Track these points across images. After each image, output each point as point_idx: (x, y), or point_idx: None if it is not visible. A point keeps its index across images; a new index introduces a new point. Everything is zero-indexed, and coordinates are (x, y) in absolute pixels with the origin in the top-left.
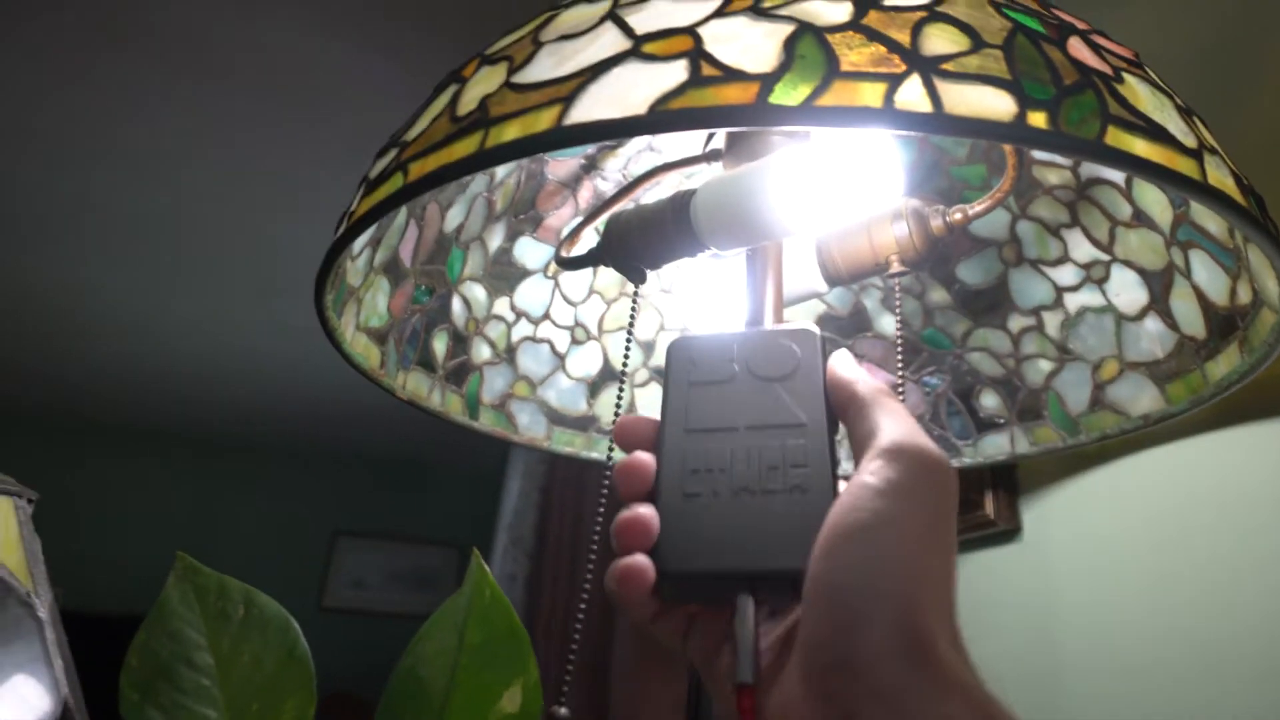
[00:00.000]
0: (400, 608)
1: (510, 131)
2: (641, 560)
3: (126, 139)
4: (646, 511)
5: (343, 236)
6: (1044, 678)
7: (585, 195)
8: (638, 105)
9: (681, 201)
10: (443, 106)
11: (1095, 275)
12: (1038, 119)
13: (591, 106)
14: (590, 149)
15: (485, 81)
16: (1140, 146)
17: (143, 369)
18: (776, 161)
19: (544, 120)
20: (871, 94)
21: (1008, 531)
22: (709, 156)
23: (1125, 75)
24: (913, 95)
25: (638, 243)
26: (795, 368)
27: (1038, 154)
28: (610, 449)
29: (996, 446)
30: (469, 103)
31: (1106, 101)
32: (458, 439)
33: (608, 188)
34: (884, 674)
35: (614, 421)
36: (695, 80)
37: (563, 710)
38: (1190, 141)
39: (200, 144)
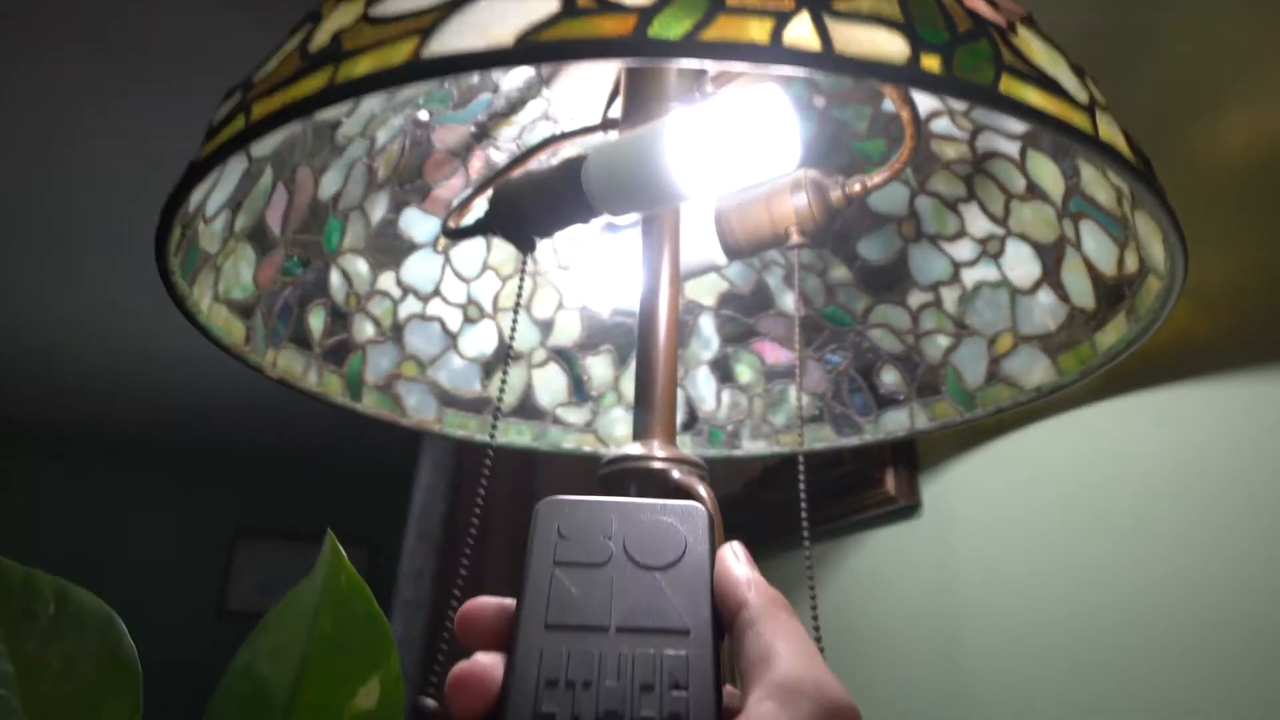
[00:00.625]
0: None
1: (362, 66)
2: None
3: None
4: None
5: (180, 187)
6: (945, 654)
7: (477, 165)
8: (504, 36)
9: (573, 165)
10: (295, 45)
11: (991, 250)
12: (931, 63)
13: (453, 38)
14: (481, 115)
15: (341, 16)
16: (1034, 96)
17: (22, 367)
18: (671, 124)
19: (400, 53)
20: (759, 29)
21: (908, 508)
22: (606, 125)
23: (1018, 27)
24: (802, 32)
25: (527, 209)
26: (680, 556)
27: (936, 127)
28: (494, 428)
29: (896, 423)
30: (322, 38)
31: (1000, 50)
32: (364, 432)
33: (500, 158)
34: None
35: (499, 399)
36: (569, 11)
37: (430, 701)
38: (1083, 97)
39: (79, 127)
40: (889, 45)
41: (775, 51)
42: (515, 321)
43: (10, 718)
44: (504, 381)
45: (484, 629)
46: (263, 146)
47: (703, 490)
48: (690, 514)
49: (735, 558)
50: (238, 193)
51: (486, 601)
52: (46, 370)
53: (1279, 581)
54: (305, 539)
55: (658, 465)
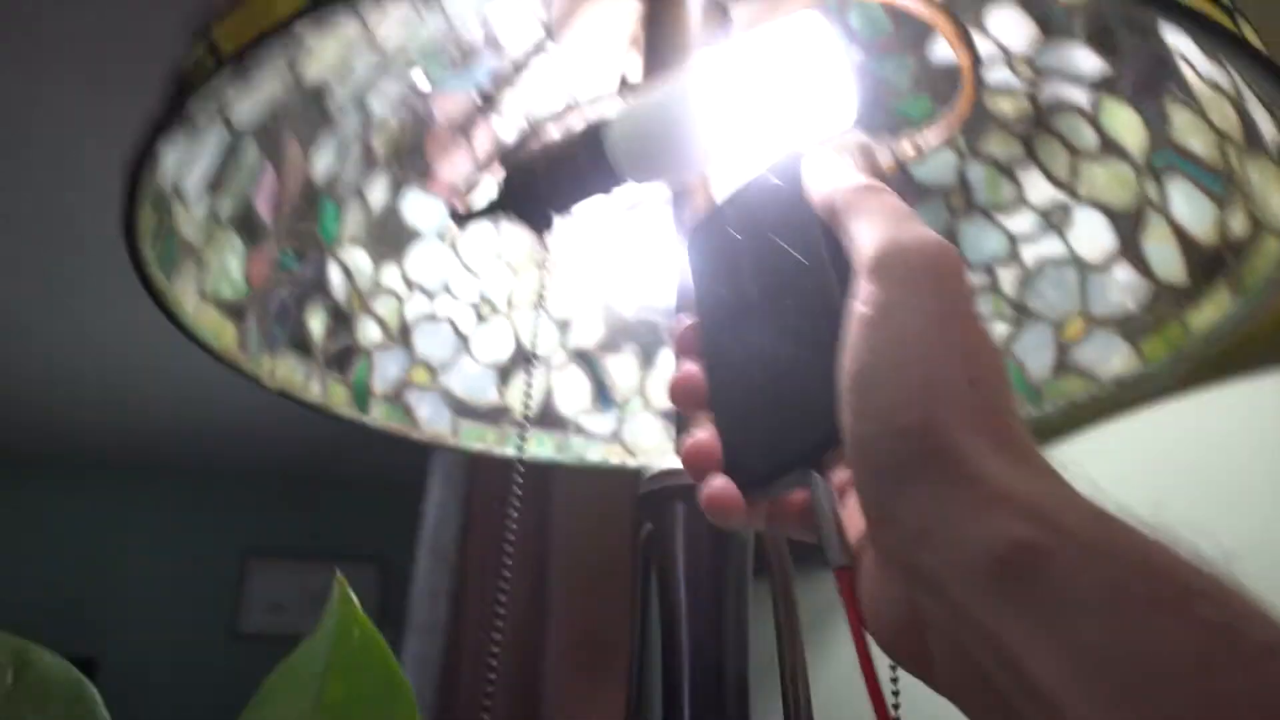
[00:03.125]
0: None
1: None
2: (718, 484)
3: None
4: (703, 435)
5: (143, 148)
6: None
7: (482, 141)
8: None
9: (595, 131)
10: None
11: (1055, 220)
12: None
13: None
14: (484, 81)
15: None
16: None
17: (12, 388)
18: (703, 77)
19: None
20: None
21: None
22: (624, 87)
23: None
24: None
25: (543, 184)
26: (785, 205)
27: (990, 79)
28: (522, 439)
29: None
30: None
31: None
32: (371, 446)
33: (507, 131)
34: (915, 502)
35: (526, 407)
36: None
37: None
38: None
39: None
40: None
41: None
42: (542, 301)
43: None
44: (529, 391)
45: (688, 344)
46: (243, 112)
47: None
48: (783, 166)
49: (818, 172)
50: (219, 171)
51: (688, 324)
52: (44, 396)
53: None
54: (310, 557)
55: None
